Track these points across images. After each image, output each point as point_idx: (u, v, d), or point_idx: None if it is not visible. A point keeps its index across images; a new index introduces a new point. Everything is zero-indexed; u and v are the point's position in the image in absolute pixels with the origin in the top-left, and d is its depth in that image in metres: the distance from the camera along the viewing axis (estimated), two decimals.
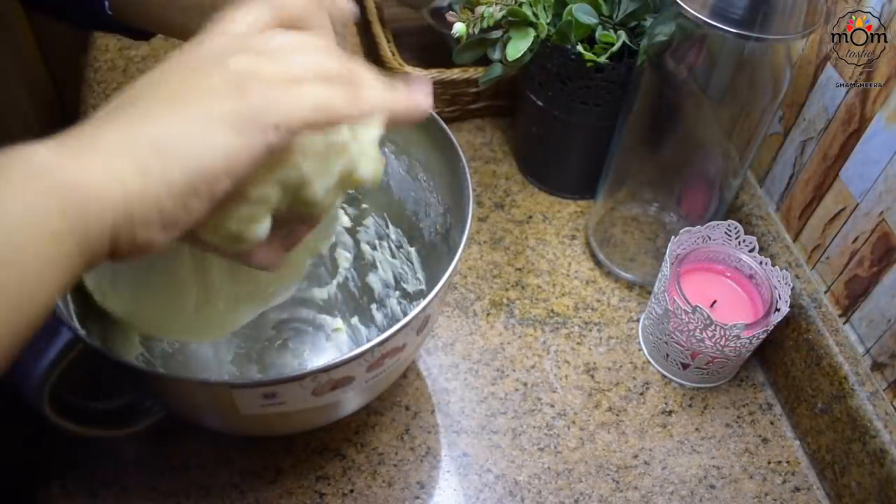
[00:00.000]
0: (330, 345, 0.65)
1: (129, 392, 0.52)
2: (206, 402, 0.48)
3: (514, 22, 0.65)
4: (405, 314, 0.58)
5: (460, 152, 0.52)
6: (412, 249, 0.62)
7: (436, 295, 0.45)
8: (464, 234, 0.48)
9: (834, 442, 0.58)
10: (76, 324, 0.45)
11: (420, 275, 0.62)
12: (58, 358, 0.43)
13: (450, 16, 0.66)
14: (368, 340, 0.43)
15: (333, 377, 0.43)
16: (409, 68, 0.75)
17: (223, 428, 0.54)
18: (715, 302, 0.62)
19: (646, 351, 0.66)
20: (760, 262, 0.62)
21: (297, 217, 0.38)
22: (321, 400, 0.45)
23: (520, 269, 0.71)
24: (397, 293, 0.64)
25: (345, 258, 0.66)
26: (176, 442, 0.58)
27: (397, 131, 0.58)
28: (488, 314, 0.68)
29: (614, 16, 0.65)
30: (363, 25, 0.87)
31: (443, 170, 0.55)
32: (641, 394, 0.64)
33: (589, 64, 0.65)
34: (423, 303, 0.44)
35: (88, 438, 0.56)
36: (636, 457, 0.60)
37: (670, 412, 0.63)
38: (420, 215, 0.60)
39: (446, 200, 0.56)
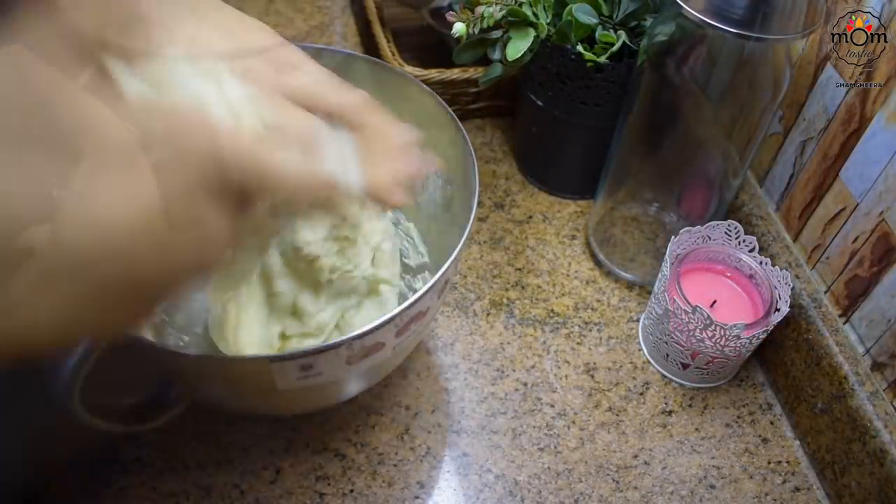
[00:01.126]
0: None
1: (153, 383, 0.51)
2: (240, 381, 0.48)
3: (514, 22, 0.65)
4: (410, 289, 0.61)
5: (462, 130, 0.53)
6: (410, 224, 0.63)
7: (456, 256, 0.47)
8: (471, 212, 0.49)
9: (834, 442, 0.58)
10: None
11: (422, 248, 0.63)
12: (87, 352, 0.42)
13: (450, 16, 0.66)
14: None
15: (366, 343, 0.44)
16: (409, 68, 0.75)
17: (249, 409, 0.55)
18: (715, 302, 0.62)
19: (646, 351, 0.66)
20: (760, 262, 0.62)
21: None
22: (354, 369, 0.46)
23: (520, 269, 0.71)
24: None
25: None
26: (176, 442, 0.58)
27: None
28: (488, 314, 0.68)
29: (614, 16, 0.65)
30: (363, 25, 0.88)
31: (442, 140, 0.55)
32: (641, 394, 0.64)
33: (589, 64, 0.65)
34: (446, 265, 0.46)
35: (88, 438, 0.56)
36: (636, 457, 0.60)
37: (670, 412, 0.63)
38: (417, 187, 0.61)
39: (446, 172, 0.58)
